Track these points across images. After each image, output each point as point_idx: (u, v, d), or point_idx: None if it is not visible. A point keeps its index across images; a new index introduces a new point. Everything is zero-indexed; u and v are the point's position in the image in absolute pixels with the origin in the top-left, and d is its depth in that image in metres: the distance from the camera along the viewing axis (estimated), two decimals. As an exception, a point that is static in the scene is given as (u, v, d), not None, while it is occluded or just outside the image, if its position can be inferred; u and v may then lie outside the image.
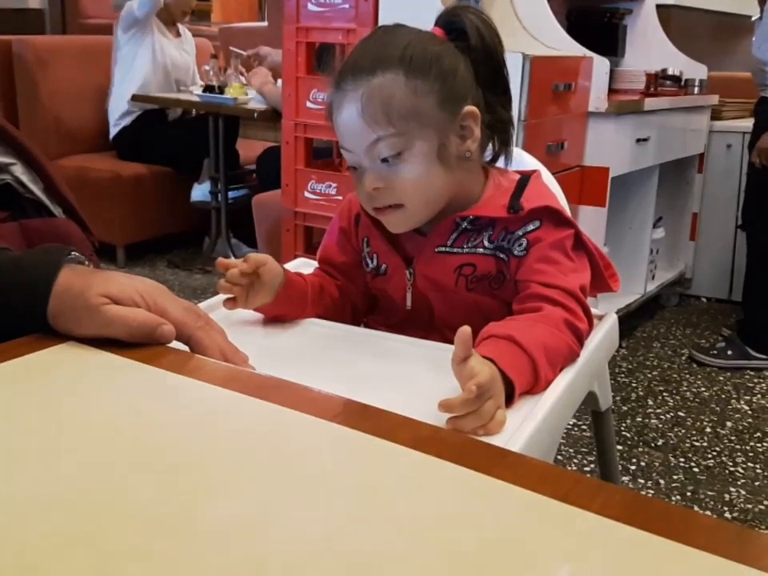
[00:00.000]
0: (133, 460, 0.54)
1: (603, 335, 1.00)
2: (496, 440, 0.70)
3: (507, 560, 0.45)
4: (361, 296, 1.07)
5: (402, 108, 0.89)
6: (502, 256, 0.95)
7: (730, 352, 2.80)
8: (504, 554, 0.46)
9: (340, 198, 2.52)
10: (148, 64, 3.60)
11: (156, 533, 0.46)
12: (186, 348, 0.75)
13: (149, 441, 0.57)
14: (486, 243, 0.95)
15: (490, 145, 0.99)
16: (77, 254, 0.79)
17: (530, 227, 0.94)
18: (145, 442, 0.57)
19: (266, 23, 4.84)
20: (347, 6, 2.35)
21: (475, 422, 0.72)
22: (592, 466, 2.08)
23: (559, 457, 2.12)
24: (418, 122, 0.90)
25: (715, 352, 2.81)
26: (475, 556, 0.45)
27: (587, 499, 0.50)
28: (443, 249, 0.97)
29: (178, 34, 3.81)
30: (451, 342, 0.75)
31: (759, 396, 2.57)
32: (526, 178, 0.99)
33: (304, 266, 1.25)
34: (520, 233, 0.94)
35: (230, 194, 3.54)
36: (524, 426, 0.73)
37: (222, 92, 3.33)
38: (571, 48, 2.53)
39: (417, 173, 0.91)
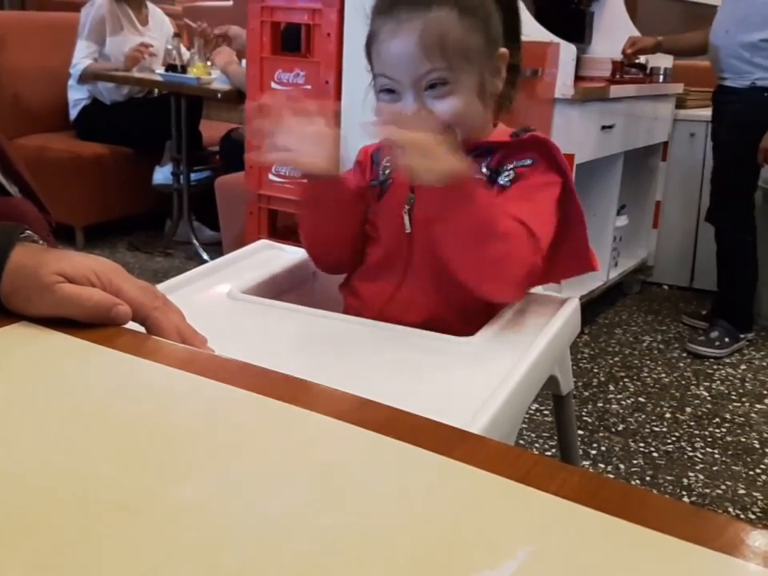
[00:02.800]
0: (90, 442, 0.53)
1: (565, 320, 1.00)
2: (456, 422, 0.70)
3: (465, 541, 0.45)
4: (360, 224, 1.07)
5: (455, 44, 0.95)
6: (490, 186, 0.98)
7: (726, 339, 2.82)
8: (462, 536, 0.45)
9: (305, 180, 2.50)
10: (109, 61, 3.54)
11: (116, 514, 0.45)
12: (142, 329, 0.73)
13: (105, 422, 0.56)
14: (483, 170, 1.00)
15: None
16: (31, 232, 0.77)
17: (523, 162, 0.98)
18: (101, 424, 0.56)
19: (231, 2, 4.77)
20: (313, -15, 2.33)
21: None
22: (554, 450, 2.10)
23: (521, 441, 2.13)
24: (467, 58, 0.96)
25: (718, 343, 2.80)
26: (434, 538, 0.45)
27: (546, 480, 0.49)
28: None
29: (147, 21, 3.72)
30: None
31: (718, 382, 2.61)
32: (530, 129, 1.04)
33: (266, 247, 1.24)
34: (510, 165, 0.98)
35: (193, 176, 3.50)
36: (484, 409, 0.73)
37: (184, 71, 3.27)
38: (538, 34, 2.52)
39: (459, 104, 0.96)
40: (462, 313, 0.99)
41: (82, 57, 3.52)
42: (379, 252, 1.05)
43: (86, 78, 3.50)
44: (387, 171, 1.06)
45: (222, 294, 1.01)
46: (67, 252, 0.74)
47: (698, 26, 2.83)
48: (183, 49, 3.44)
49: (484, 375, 0.83)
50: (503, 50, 1.00)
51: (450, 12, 0.95)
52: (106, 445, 0.53)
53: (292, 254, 1.20)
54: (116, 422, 0.56)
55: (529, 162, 0.97)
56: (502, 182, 0.98)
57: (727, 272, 2.86)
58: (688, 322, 3.02)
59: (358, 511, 0.47)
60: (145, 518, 0.45)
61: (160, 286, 1.01)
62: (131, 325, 0.72)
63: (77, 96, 3.61)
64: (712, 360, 2.78)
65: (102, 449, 0.52)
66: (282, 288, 1.11)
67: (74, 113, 3.64)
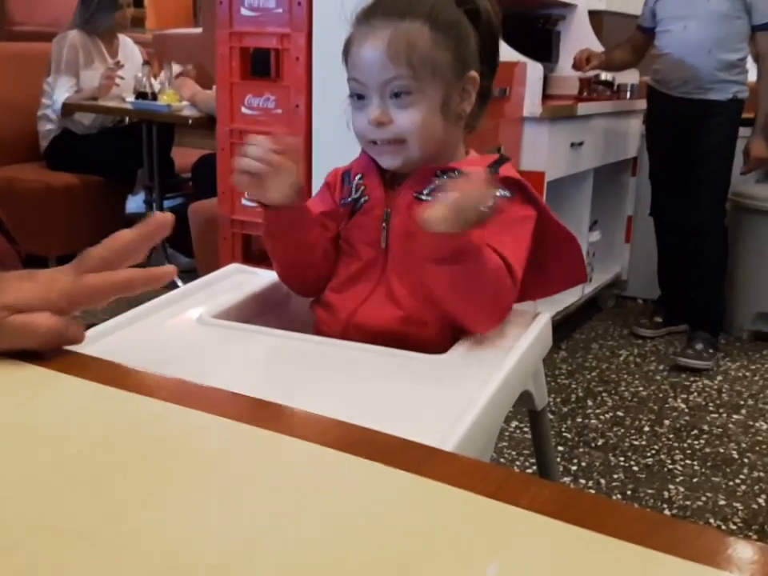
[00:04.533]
0: (52, 469, 0.52)
1: (537, 334, 1.00)
2: (428, 440, 0.69)
3: (435, 559, 0.44)
4: (329, 244, 1.09)
5: (422, 54, 0.97)
6: None
7: (711, 350, 2.87)
8: (432, 553, 0.45)
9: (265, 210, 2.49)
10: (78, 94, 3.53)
11: (76, 541, 0.44)
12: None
13: (69, 450, 0.55)
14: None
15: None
16: None
17: (502, 193, 0.97)
18: (65, 452, 0.55)
19: (200, 29, 4.78)
20: (281, 10, 2.34)
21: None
22: (534, 468, 2.09)
23: (501, 459, 2.13)
24: (433, 71, 0.98)
25: (705, 355, 2.84)
26: (403, 555, 0.44)
27: (517, 495, 0.49)
28: (420, 196, 1.02)
29: (117, 53, 3.71)
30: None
31: (695, 394, 2.63)
32: (504, 157, 1.07)
33: (237, 271, 1.23)
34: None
35: (166, 203, 3.48)
36: (456, 426, 0.72)
37: (155, 99, 3.27)
38: (506, 53, 2.54)
39: (421, 115, 0.98)
40: (432, 314, 1.00)
41: (64, 91, 3.50)
42: (353, 266, 1.06)
43: (69, 110, 3.49)
44: (362, 189, 1.06)
45: (192, 320, 1.00)
46: (7, 279, 0.71)
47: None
48: (153, 80, 3.43)
49: (456, 392, 0.82)
50: (474, 73, 1.01)
51: (422, 25, 0.97)
52: (68, 472, 0.52)
53: (264, 278, 1.19)
54: (80, 449, 0.55)
55: (507, 194, 0.98)
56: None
57: (712, 279, 2.93)
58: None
59: (325, 530, 0.46)
60: (106, 545, 0.44)
61: (131, 313, 1.01)
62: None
63: (47, 127, 3.60)
64: (689, 372, 2.79)
65: (64, 476, 0.51)
66: (253, 311, 1.10)
67: (44, 143, 3.62)
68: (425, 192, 1.01)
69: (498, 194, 0.98)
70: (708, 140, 2.80)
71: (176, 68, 3.39)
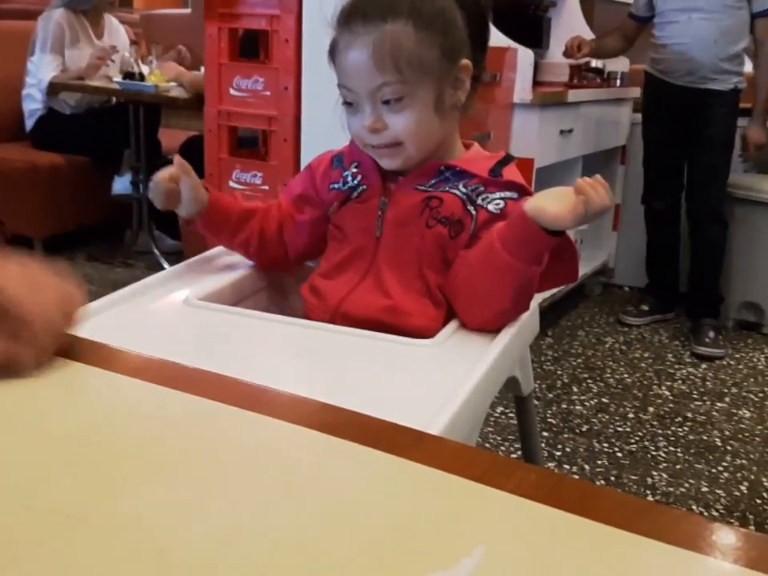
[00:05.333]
0: (40, 452, 0.52)
1: (523, 321, 1.00)
2: (416, 423, 0.69)
3: (421, 541, 0.44)
4: (304, 231, 1.13)
5: (409, 57, 0.95)
6: (470, 208, 1.00)
7: (720, 337, 2.93)
8: (418, 536, 0.45)
9: (266, 188, 2.48)
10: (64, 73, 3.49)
11: (63, 525, 0.44)
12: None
13: (56, 433, 0.55)
14: (460, 187, 1.01)
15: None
16: None
17: (509, 194, 1.00)
18: (52, 435, 0.54)
19: (189, 10, 4.74)
20: (270, -9, 2.32)
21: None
22: (519, 453, 2.10)
23: (487, 444, 2.13)
24: (422, 71, 0.96)
25: (720, 342, 2.90)
26: (390, 538, 0.44)
27: (502, 479, 0.49)
28: (422, 187, 1.02)
29: (103, 34, 3.68)
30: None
31: (680, 382, 2.64)
32: (510, 156, 1.06)
33: (224, 254, 1.23)
34: (498, 195, 1.00)
35: (153, 185, 3.45)
36: (443, 411, 0.72)
37: (142, 79, 3.24)
38: (496, 39, 2.54)
39: (415, 118, 0.97)
40: (419, 305, 1.00)
41: (50, 70, 3.46)
42: (344, 253, 1.06)
43: (56, 90, 3.45)
44: (359, 178, 1.06)
45: (179, 302, 1.00)
46: None
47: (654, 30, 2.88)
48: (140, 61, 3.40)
49: (442, 377, 0.82)
50: (466, 61, 0.99)
51: (405, 25, 0.94)
52: (53, 454, 0.52)
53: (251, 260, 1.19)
54: (64, 431, 0.55)
55: (514, 195, 1.00)
56: (492, 210, 0.99)
57: (715, 267, 2.96)
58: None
59: (314, 514, 0.46)
60: (91, 527, 0.44)
61: (116, 294, 1.00)
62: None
63: (32, 106, 3.56)
64: (673, 360, 2.81)
65: (49, 458, 0.51)
66: (240, 294, 1.10)
67: (29, 123, 3.58)
68: (427, 184, 1.02)
69: (505, 195, 0.99)
70: (711, 130, 2.83)
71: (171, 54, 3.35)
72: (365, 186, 1.06)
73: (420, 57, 0.95)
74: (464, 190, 1.01)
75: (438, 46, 0.96)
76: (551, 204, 0.90)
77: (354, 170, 1.07)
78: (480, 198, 1.00)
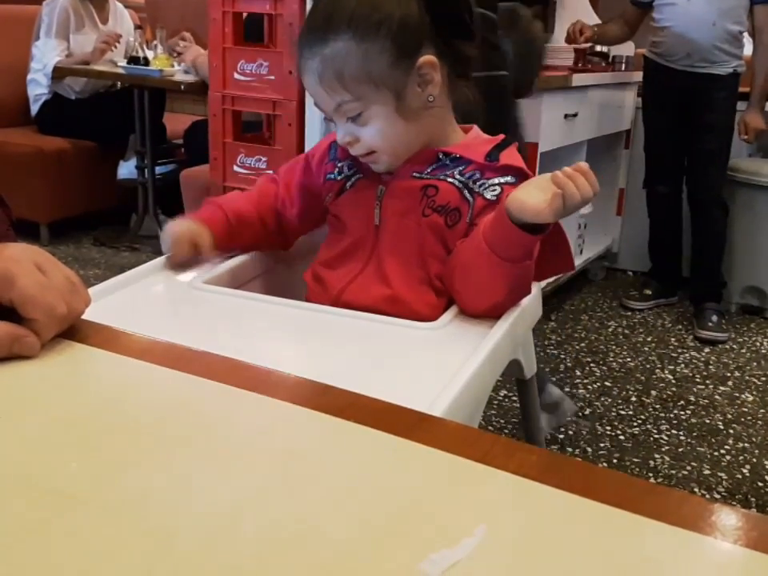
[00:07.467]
0: (45, 433, 0.52)
1: (526, 305, 1.00)
2: (418, 405, 0.70)
3: (425, 521, 0.45)
4: (301, 217, 1.13)
5: (355, 74, 0.93)
6: (467, 195, 0.99)
7: (723, 320, 2.94)
8: (421, 515, 0.45)
9: (270, 172, 2.48)
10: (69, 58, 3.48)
11: (68, 505, 0.45)
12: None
13: (61, 415, 0.55)
14: (456, 175, 1.00)
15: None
16: None
17: (506, 179, 0.99)
18: (57, 417, 0.55)
19: (193, -6, 4.71)
20: (274, -25, 2.31)
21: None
22: (522, 436, 2.11)
23: (490, 427, 2.14)
24: (373, 83, 0.94)
25: (723, 327, 2.91)
26: (393, 518, 0.45)
27: (504, 460, 0.50)
28: (418, 175, 1.01)
29: (107, 19, 3.67)
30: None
31: (682, 365, 2.65)
32: (507, 140, 1.04)
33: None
34: (496, 180, 0.99)
35: (158, 170, 3.46)
36: (445, 393, 0.73)
37: (147, 64, 3.24)
38: (500, 22, 2.53)
39: (379, 128, 0.97)
40: (420, 294, 1.00)
41: (55, 55, 3.46)
42: (345, 242, 1.06)
43: (61, 74, 3.45)
44: (353, 169, 1.06)
45: (184, 285, 1.00)
46: None
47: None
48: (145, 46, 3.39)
49: (445, 360, 0.83)
50: (426, 57, 0.94)
51: (346, 42, 0.92)
52: (58, 436, 0.52)
53: (255, 244, 1.19)
54: (67, 411, 0.55)
55: (512, 179, 0.98)
56: (488, 197, 0.98)
57: (717, 251, 2.97)
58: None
59: (317, 494, 0.47)
60: (95, 507, 0.45)
61: (122, 277, 1.01)
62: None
63: (37, 91, 3.56)
64: (676, 344, 2.82)
65: (54, 440, 0.52)
66: (245, 277, 1.10)
67: (35, 108, 3.58)
68: (425, 172, 1.01)
69: (502, 180, 0.98)
70: (712, 115, 2.82)
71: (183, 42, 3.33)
72: (361, 175, 1.05)
73: (367, 70, 0.93)
74: (460, 177, 0.99)
75: (387, 51, 0.92)
76: (531, 197, 0.88)
77: (350, 161, 1.07)
78: (477, 184, 0.99)
